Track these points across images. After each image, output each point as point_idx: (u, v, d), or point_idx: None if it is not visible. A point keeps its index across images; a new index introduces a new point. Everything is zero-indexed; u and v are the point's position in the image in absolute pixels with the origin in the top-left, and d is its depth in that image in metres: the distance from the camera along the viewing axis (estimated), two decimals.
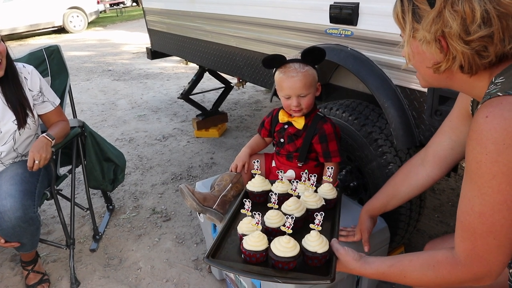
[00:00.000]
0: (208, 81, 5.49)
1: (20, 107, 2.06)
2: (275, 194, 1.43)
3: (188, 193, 1.79)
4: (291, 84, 1.70)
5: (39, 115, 2.20)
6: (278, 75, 1.75)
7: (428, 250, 1.42)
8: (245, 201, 1.39)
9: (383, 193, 1.50)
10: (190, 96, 4.17)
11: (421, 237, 2.46)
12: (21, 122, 2.07)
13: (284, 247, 1.22)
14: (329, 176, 1.58)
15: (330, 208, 1.56)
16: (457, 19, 0.89)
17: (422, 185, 1.40)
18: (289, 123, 1.84)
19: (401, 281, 1.12)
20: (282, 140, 1.89)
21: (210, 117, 4.21)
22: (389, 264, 1.13)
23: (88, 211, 2.61)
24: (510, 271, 1.08)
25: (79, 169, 2.54)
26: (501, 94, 0.86)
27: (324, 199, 1.55)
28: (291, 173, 1.87)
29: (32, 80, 2.13)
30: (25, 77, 2.10)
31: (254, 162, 1.66)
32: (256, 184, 1.65)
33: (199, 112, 4.25)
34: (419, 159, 1.42)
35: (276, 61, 1.74)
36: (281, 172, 1.61)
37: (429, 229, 2.53)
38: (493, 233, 0.90)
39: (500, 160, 0.84)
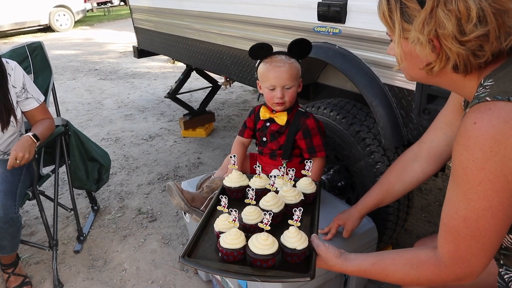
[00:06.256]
0: (196, 81, 5.45)
1: (4, 108, 2.01)
2: (252, 189, 1.40)
3: (177, 191, 1.74)
4: (277, 74, 1.70)
5: (23, 112, 2.15)
6: (263, 66, 1.74)
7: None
8: (221, 197, 1.35)
9: (377, 192, 1.48)
10: (177, 96, 4.13)
11: (409, 237, 2.45)
12: (4, 123, 2.02)
13: (262, 244, 1.19)
14: (308, 170, 1.55)
15: (310, 203, 1.54)
16: (452, 19, 0.86)
17: (417, 181, 1.40)
18: (271, 120, 1.82)
19: (383, 279, 1.12)
20: (264, 139, 1.86)
21: (197, 117, 4.18)
22: (371, 262, 1.12)
23: (72, 212, 2.56)
24: (500, 270, 1.07)
25: (63, 168, 2.49)
26: (489, 99, 0.85)
27: (303, 193, 1.52)
28: (276, 173, 1.84)
29: (16, 76, 2.07)
30: (8, 73, 2.04)
31: (231, 157, 1.61)
32: (233, 180, 1.59)
33: (186, 111, 4.21)
34: (412, 155, 1.40)
35: (263, 50, 1.74)
36: (258, 166, 1.58)
37: (416, 229, 2.53)
38: (477, 237, 0.90)
39: (487, 168, 0.83)
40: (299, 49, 1.73)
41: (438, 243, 0.99)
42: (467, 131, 0.86)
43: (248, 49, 1.74)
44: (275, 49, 1.78)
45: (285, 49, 1.76)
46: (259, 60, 1.77)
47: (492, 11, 0.84)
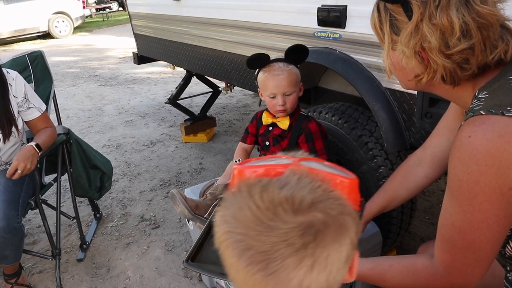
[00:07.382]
0: (196, 86, 5.45)
1: (6, 118, 2.00)
2: None
3: (181, 199, 1.74)
4: (277, 82, 1.70)
5: (25, 122, 2.15)
6: (262, 75, 1.74)
7: (419, 253, 1.41)
8: None
9: (381, 198, 1.48)
10: (178, 101, 4.13)
11: (413, 240, 2.44)
12: (6, 134, 2.02)
13: None
14: None
15: None
16: (436, 33, 0.87)
17: (421, 186, 1.40)
18: (274, 124, 1.83)
19: (380, 284, 1.13)
20: (267, 143, 1.86)
21: (198, 122, 4.17)
22: (369, 267, 1.13)
23: (75, 220, 2.55)
24: (508, 275, 1.07)
25: (65, 177, 2.48)
26: (483, 113, 0.85)
27: None
28: None
29: (17, 86, 2.06)
30: (9, 84, 2.04)
31: (235, 162, 1.62)
32: None
33: (187, 117, 4.21)
34: (416, 160, 1.40)
35: (261, 61, 1.74)
36: None
37: (420, 231, 2.53)
38: (472, 249, 0.90)
39: (482, 180, 0.84)
40: (296, 54, 1.73)
41: (435, 252, 1.00)
42: (461, 145, 0.86)
43: (248, 55, 1.74)
44: (276, 55, 1.78)
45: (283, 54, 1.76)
46: (258, 69, 1.77)
47: (476, 25, 0.85)
